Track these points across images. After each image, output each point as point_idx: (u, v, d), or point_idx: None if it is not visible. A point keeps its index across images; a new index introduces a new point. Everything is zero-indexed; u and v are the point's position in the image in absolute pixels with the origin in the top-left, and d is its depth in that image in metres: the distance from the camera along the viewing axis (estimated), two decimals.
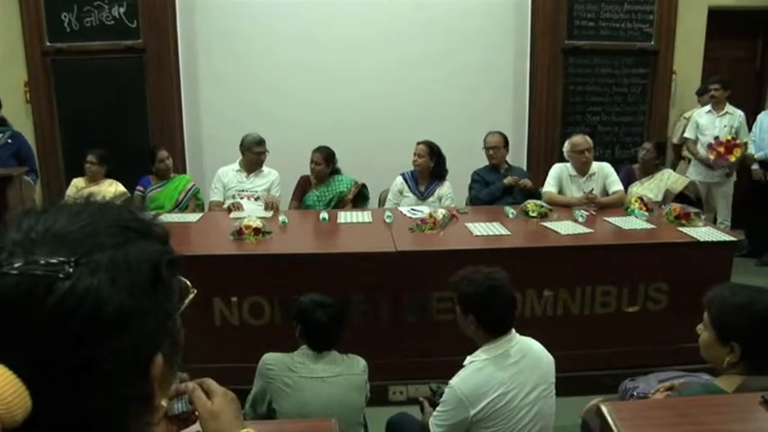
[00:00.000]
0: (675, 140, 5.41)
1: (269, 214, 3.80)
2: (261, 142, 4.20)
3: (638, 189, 4.26)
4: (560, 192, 4.04)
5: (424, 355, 3.02)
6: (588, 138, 4.08)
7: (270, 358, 2.21)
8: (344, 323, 2.29)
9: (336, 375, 2.18)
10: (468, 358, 2.02)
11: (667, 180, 4.35)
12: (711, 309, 1.67)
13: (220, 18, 5.11)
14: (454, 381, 1.97)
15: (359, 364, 2.27)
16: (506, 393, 1.93)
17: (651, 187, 4.29)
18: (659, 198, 4.16)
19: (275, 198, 4.11)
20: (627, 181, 4.37)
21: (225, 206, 4.13)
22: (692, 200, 4.35)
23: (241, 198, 4.14)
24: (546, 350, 2.07)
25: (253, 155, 4.20)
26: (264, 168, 4.28)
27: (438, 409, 2.00)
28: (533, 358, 2.01)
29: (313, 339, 2.23)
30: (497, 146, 4.23)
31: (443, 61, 5.23)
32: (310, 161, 4.18)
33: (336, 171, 4.27)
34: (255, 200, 4.13)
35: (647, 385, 1.88)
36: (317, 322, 2.20)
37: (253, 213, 3.74)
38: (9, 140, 4.37)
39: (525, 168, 5.02)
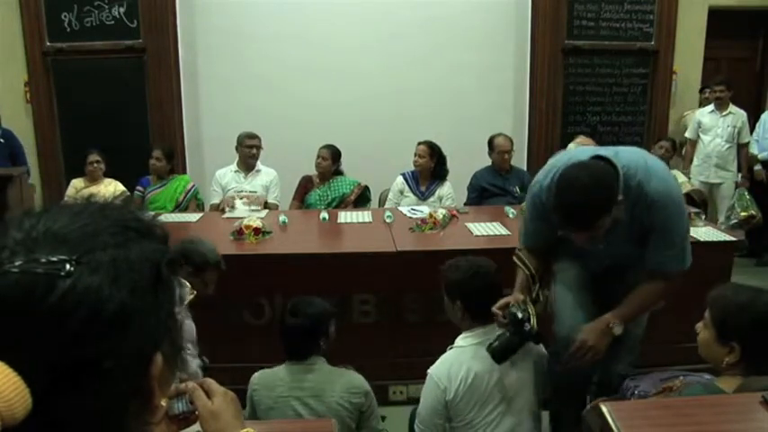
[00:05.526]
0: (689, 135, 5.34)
1: (262, 213, 3.78)
2: (253, 136, 4.21)
3: None
4: None
5: (424, 355, 3.01)
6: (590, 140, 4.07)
7: (255, 379, 2.12)
8: (322, 331, 2.12)
9: (314, 396, 2.04)
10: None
11: None
12: (713, 307, 1.66)
13: (220, 18, 5.12)
14: (431, 368, 2.03)
15: (347, 383, 2.07)
16: (476, 383, 1.96)
17: None
18: None
19: (259, 196, 4.10)
20: None
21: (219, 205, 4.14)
22: (696, 203, 4.38)
23: (240, 199, 4.14)
24: (541, 355, 2.08)
25: (245, 148, 4.20)
26: (262, 168, 4.28)
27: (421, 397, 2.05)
28: (515, 358, 1.99)
29: (285, 346, 2.12)
30: (508, 150, 4.23)
31: (443, 61, 5.24)
32: (317, 156, 4.19)
33: (339, 172, 4.27)
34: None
35: (648, 383, 1.88)
36: (285, 329, 2.11)
37: (243, 212, 3.76)
38: (1, 140, 4.36)
39: (525, 169, 5.02)
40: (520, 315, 1.92)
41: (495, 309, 2.00)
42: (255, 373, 2.15)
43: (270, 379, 2.10)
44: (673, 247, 1.96)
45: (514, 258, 2.17)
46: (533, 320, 1.93)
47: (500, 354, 1.93)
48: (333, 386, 2.06)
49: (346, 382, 2.08)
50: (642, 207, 1.90)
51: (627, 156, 1.92)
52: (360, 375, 2.15)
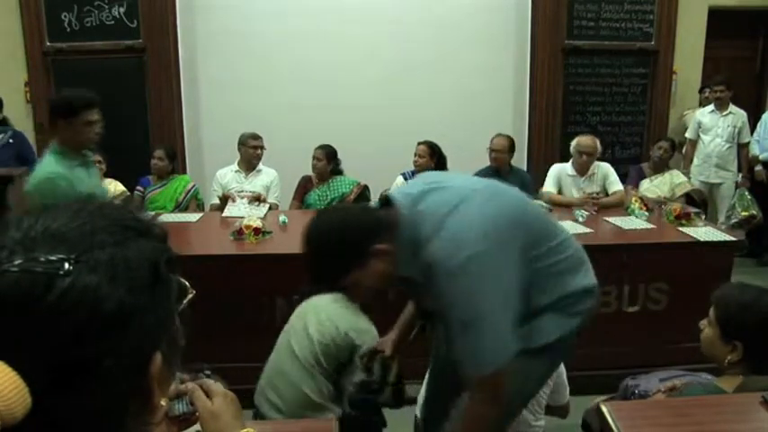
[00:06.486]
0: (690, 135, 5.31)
1: (261, 212, 3.78)
2: (256, 136, 4.22)
3: (648, 186, 4.34)
4: (560, 192, 4.05)
5: (424, 355, 3.02)
6: (596, 141, 4.05)
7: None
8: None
9: (329, 319, 2.12)
10: None
11: (675, 180, 4.39)
12: (718, 306, 1.66)
13: (221, 18, 5.11)
14: None
15: (356, 321, 2.12)
16: None
17: (662, 185, 4.34)
18: (670, 195, 4.26)
19: (259, 193, 4.10)
20: (638, 179, 4.43)
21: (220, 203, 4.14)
22: (696, 203, 4.39)
23: (241, 198, 4.14)
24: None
25: (249, 148, 4.20)
26: (263, 168, 4.28)
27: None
28: None
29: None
30: (502, 150, 4.21)
31: (443, 62, 5.24)
32: (312, 157, 4.19)
33: (338, 172, 4.27)
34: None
35: (649, 383, 1.88)
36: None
37: (243, 211, 3.76)
38: (10, 140, 4.37)
39: (526, 169, 5.02)
40: (371, 387, 1.78)
41: (357, 357, 1.88)
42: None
43: (315, 299, 2.22)
44: (458, 335, 1.37)
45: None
46: (386, 391, 1.80)
47: (355, 406, 1.87)
48: (346, 319, 2.11)
49: (357, 321, 2.13)
50: (426, 270, 1.39)
51: (440, 198, 1.44)
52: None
